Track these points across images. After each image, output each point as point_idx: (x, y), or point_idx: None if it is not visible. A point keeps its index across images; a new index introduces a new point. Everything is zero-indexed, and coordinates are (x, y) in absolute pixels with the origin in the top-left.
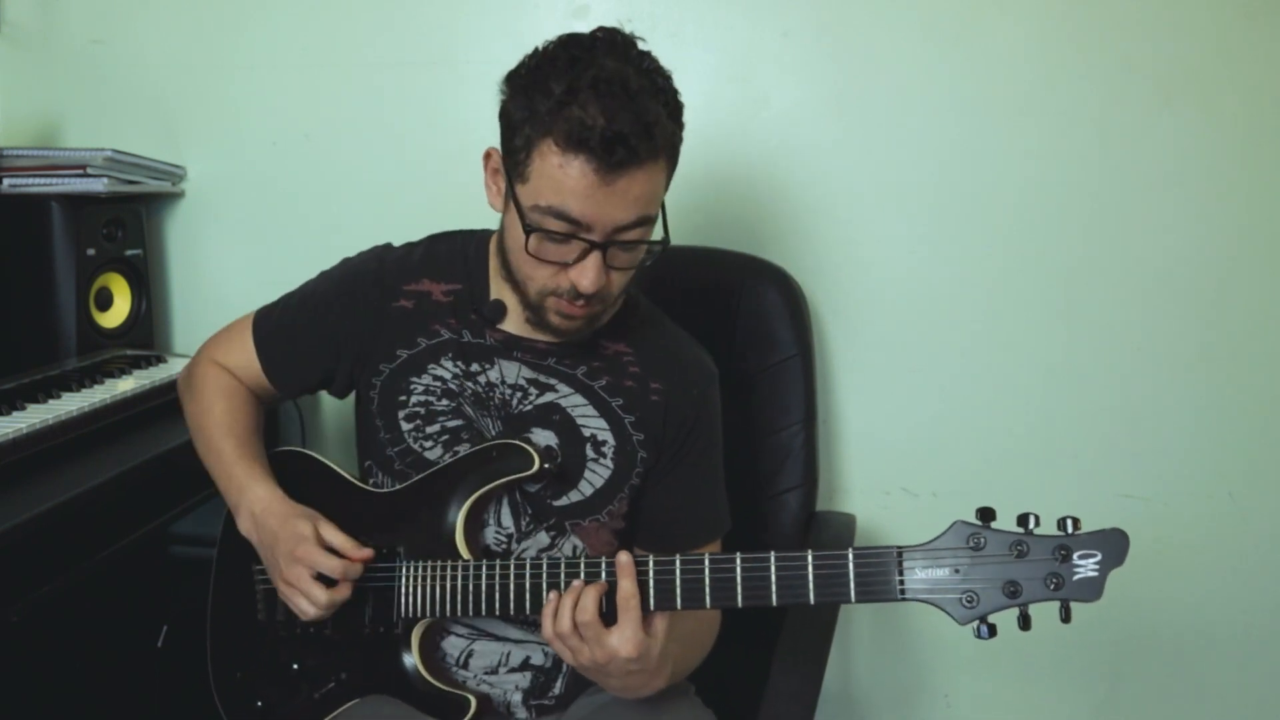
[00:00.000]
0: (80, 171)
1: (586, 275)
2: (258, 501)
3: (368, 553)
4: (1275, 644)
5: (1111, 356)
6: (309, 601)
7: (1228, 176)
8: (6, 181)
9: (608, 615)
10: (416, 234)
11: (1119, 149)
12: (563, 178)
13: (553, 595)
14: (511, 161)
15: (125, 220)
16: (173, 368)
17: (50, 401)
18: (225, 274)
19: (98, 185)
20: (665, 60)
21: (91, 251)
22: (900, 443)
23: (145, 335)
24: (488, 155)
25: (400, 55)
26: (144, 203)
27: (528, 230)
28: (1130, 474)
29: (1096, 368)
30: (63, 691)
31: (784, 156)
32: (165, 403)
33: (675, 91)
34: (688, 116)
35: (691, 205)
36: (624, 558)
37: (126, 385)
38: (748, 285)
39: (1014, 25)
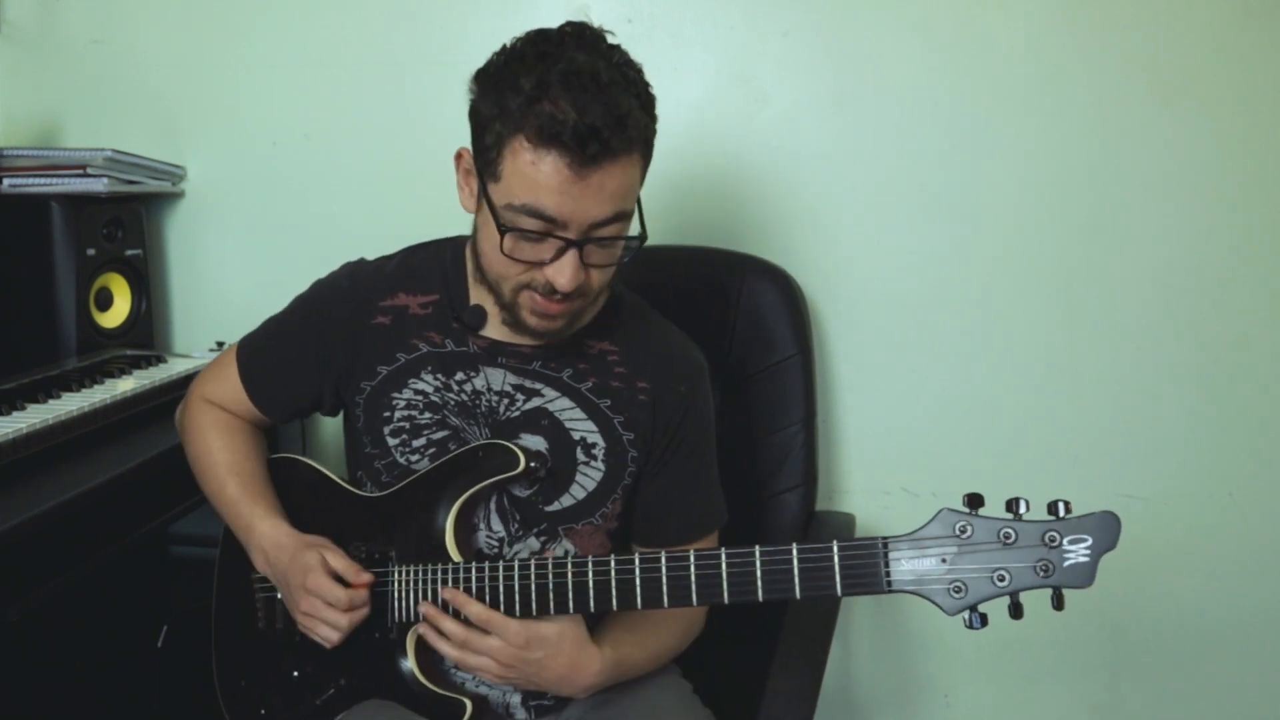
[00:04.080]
0: (80, 171)
1: (564, 274)
2: (265, 538)
3: (368, 577)
4: (1275, 644)
5: (1111, 356)
6: (330, 628)
7: (1227, 176)
8: (6, 181)
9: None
10: (416, 234)
11: (1118, 149)
12: (536, 175)
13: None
14: (483, 160)
15: (125, 220)
16: (173, 368)
17: (50, 401)
18: (225, 274)
19: (98, 185)
20: (665, 60)
21: (91, 251)
22: (900, 442)
23: (145, 335)
24: (459, 156)
25: (400, 55)
26: (144, 203)
27: (502, 230)
28: (1130, 474)
29: (1096, 367)
30: (63, 691)
31: (784, 156)
32: (165, 403)
33: (647, 84)
34: (688, 116)
35: (690, 205)
36: (428, 609)
37: (126, 385)
38: (747, 285)
39: (1013, 25)
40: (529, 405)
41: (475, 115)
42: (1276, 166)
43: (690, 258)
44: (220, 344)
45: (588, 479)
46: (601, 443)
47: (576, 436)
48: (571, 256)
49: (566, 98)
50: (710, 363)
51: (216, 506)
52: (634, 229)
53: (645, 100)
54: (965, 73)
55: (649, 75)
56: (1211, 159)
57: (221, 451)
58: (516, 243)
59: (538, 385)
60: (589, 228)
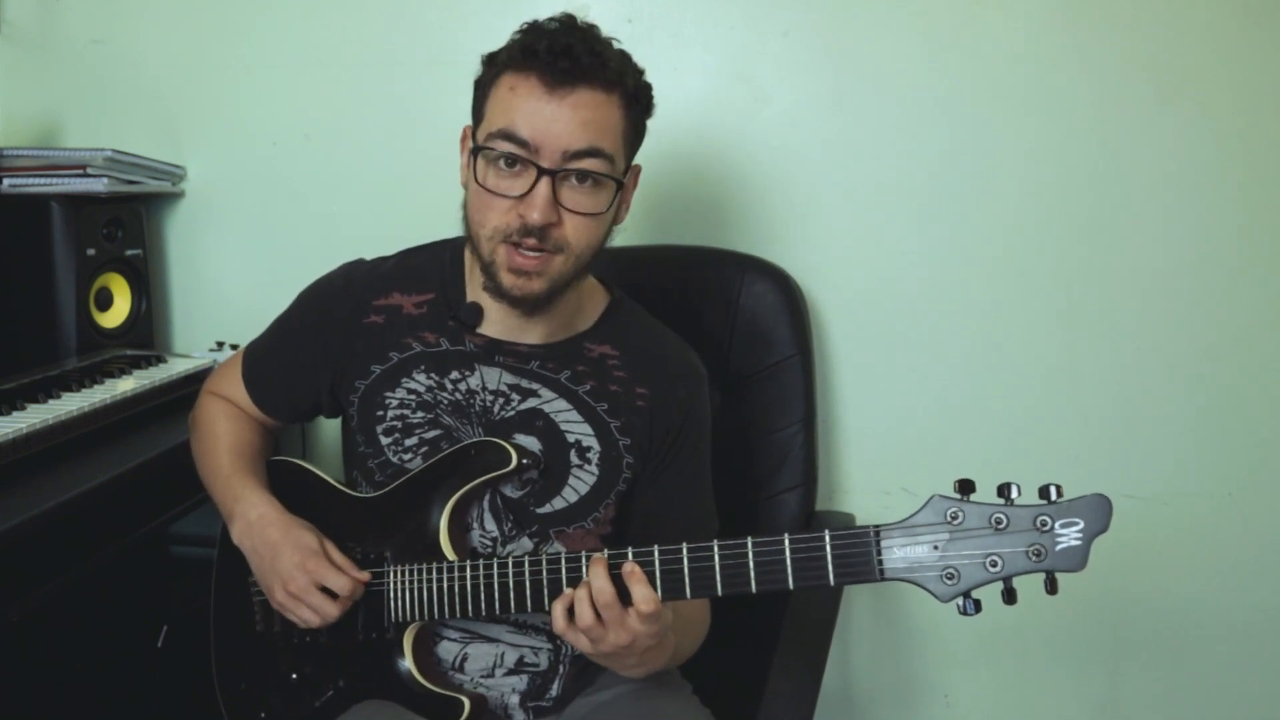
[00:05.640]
0: (80, 171)
1: (535, 206)
2: (253, 509)
3: (366, 575)
4: (1275, 643)
5: (1111, 356)
6: (313, 613)
7: (1226, 176)
8: (6, 181)
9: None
10: (416, 234)
11: (1118, 148)
12: (512, 98)
13: (568, 591)
14: (476, 116)
15: (125, 220)
16: (173, 368)
17: (50, 401)
18: (225, 274)
19: (98, 185)
20: (665, 60)
21: (91, 251)
22: (900, 442)
23: (145, 335)
24: (464, 135)
25: (400, 55)
26: (144, 203)
27: (477, 151)
28: (1130, 474)
29: (1096, 367)
30: (63, 691)
31: (784, 156)
32: (165, 403)
33: (640, 70)
34: (688, 116)
35: (691, 204)
36: (596, 556)
37: (126, 385)
38: (746, 285)
39: (1012, 25)
40: (524, 405)
41: (476, 85)
42: (1276, 166)
43: (690, 258)
44: (220, 344)
45: (581, 482)
46: (597, 446)
47: (571, 439)
48: (544, 187)
49: (548, 31)
50: (710, 363)
51: (207, 482)
52: (626, 221)
53: (631, 61)
54: (965, 73)
55: (649, 76)
56: (1211, 159)
57: (226, 436)
58: (489, 169)
59: (534, 386)
60: (562, 157)
